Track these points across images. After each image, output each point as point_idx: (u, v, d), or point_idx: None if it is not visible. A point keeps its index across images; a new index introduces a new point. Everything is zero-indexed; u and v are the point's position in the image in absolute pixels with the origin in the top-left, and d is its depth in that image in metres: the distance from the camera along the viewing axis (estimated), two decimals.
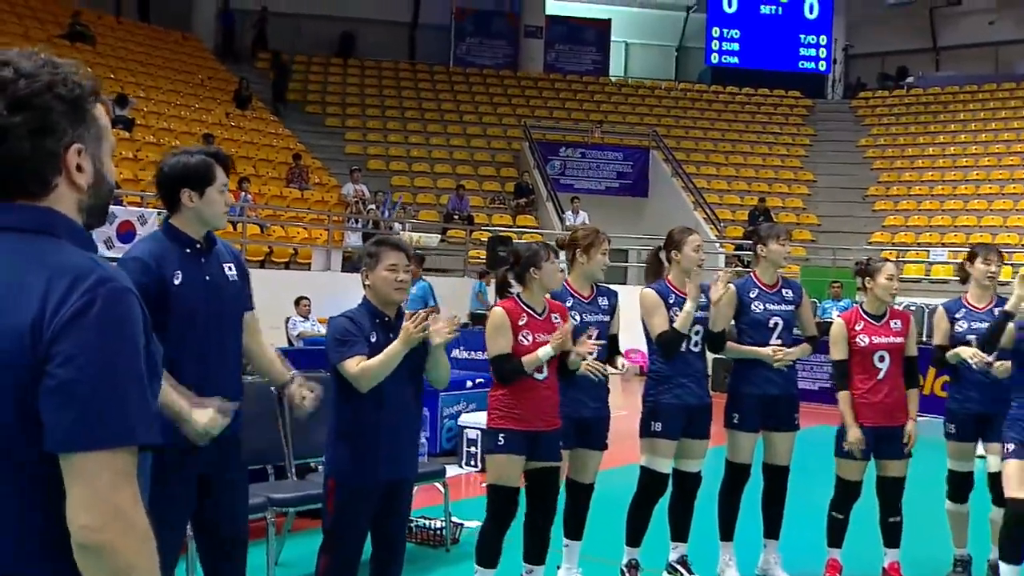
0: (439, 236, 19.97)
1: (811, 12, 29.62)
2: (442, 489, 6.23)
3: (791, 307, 5.74)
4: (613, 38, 31.07)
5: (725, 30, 29.56)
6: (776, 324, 5.66)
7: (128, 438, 1.60)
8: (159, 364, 1.76)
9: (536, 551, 4.98)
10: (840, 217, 23.93)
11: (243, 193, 16.58)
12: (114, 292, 1.63)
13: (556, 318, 4.85)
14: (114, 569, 1.57)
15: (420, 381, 4.19)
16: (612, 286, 5.51)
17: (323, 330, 6.31)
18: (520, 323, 4.72)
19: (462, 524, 6.30)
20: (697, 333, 5.43)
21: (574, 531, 5.34)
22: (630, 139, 25.06)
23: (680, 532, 5.64)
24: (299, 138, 22.60)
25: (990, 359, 5.29)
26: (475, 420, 8.15)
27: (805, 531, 6.14)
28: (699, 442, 5.50)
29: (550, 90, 28.41)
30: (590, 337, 4.80)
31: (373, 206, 19.38)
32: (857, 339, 5.48)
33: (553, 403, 4.82)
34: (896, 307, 5.80)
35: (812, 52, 29.69)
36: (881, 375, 5.46)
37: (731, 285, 5.59)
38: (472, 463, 8.29)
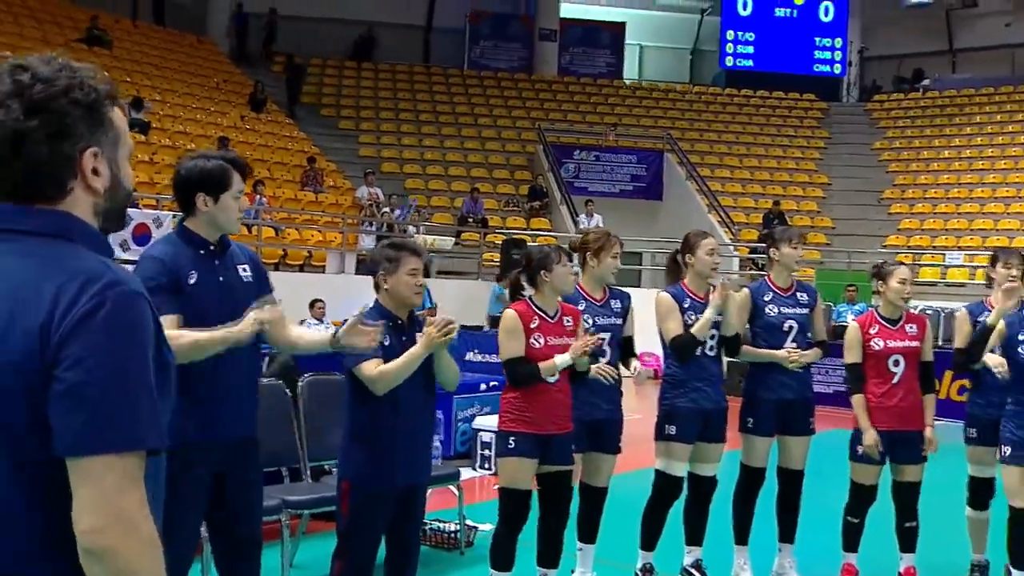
0: (453, 239, 19.96)
1: (826, 14, 29.47)
2: (456, 492, 6.24)
3: (806, 310, 5.72)
4: (627, 41, 31.01)
5: (740, 33, 29.46)
6: (791, 327, 5.63)
7: (137, 442, 1.59)
8: (171, 379, 1.71)
9: (550, 555, 4.98)
10: (855, 220, 23.80)
11: (258, 196, 16.63)
12: (125, 296, 1.61)
13: (568, 321, 4.84)
14: (115, 573, 1.55)
15: (434, 385, 4.20)
16: (626, 289, 5.51)
17: None
18: (532, 326, 4.72)
19: (476, 527, 6.30)
20: (713, 337, 5.41)
21: (588, 535, 5.33)
22: (644, 142, 25.00)
23: (695, 536, 5.62)
24: (313, 141, 22.64)
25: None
26: (489, 423, 8.14)
27: (820, 535, 6.12)
28: (715, 446, 5.49)
29: (564, 93, 28.38)
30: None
31: (387, 209, 19.40)
32: (872, 343, 5.44)
33: (565, 406, 4.82)
34: (912, 311, 5.77)
35: (827, 55, 29.52)
36: (896, 379, 5.43)
37: (746, 289, 5.57)
38: (486, 466, 8.28)
